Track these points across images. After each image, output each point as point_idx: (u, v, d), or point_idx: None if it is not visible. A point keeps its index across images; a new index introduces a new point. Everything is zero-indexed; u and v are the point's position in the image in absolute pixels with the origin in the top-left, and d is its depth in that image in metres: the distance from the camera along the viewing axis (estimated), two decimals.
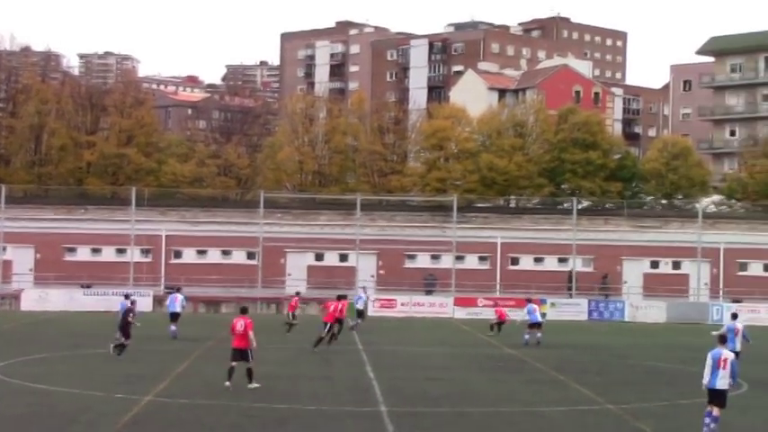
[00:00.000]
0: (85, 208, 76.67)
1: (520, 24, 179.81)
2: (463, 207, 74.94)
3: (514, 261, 72.74)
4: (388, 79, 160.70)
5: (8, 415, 24.68)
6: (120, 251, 70.53)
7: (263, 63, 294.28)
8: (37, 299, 63.99)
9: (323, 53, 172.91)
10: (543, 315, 63.53)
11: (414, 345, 45.28)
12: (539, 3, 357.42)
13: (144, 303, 59.38)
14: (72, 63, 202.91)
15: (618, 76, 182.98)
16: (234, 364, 29.51)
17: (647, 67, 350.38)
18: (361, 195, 72.70)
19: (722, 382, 23.08)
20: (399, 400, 28.07)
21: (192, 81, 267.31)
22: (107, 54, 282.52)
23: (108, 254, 71.90)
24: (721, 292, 70.44)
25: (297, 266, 71.27)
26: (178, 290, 49.20)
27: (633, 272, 72.16)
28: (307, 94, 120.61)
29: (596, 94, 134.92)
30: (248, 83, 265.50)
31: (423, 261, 72.46)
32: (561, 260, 71.57)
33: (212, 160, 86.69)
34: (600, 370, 37.46)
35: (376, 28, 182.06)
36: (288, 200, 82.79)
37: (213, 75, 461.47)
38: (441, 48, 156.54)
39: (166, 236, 71.79)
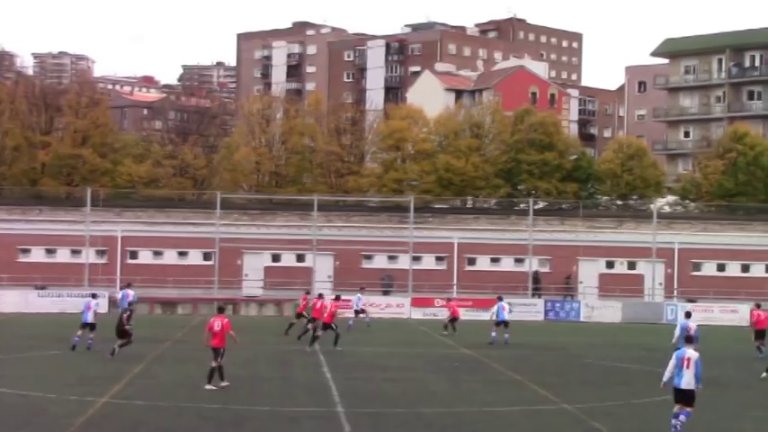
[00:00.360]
0: (40, 209, 76.09)
1: (476, 25, 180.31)
2: (420, 208, 75.05)
3: (471, 261, 72.94)
4: (345, 80, 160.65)
5: None
6: (75, 252, 70.01)
7: (219, 63, 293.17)
8: None
9: (280, 54, 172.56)
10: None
11: (371, 345, 45.28)
12: (495, 4, 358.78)
13: (100, 305, 58.85)
14: (26, 63, 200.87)
15: (574, 77, 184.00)
16: (214, 364, 29.81)
17: (603, 69, 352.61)
18: (318, 196, 72.61)
19: (687, 381, 23.25)
20: (356, 401, 28.05)
21: (147, 81, 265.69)
22: (62, 54, 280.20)
23: (63, 255, 71.38)
24: (676, 292, 70.99)
25: (254, 267, 71.10)
26: (128, 285, 48.86)
27: (589, 272, 72.57)
28: (263, 94, 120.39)
29: (552, 95, 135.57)
30: (205, 83, 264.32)
31: (380, 262, 72.51)
32: (518, 260, 71.86)
33: (168, 161, 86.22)
34: (556, 370, 37.62)
35: (333, 29, 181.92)
36: (245, 200, 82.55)
37: (169, 75, 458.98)
38: (398, 48, 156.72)
39: (122, 237, 71.38)
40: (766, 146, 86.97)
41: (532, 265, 69.66)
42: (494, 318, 46.87)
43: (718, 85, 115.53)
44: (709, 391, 31.59)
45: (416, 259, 69.90)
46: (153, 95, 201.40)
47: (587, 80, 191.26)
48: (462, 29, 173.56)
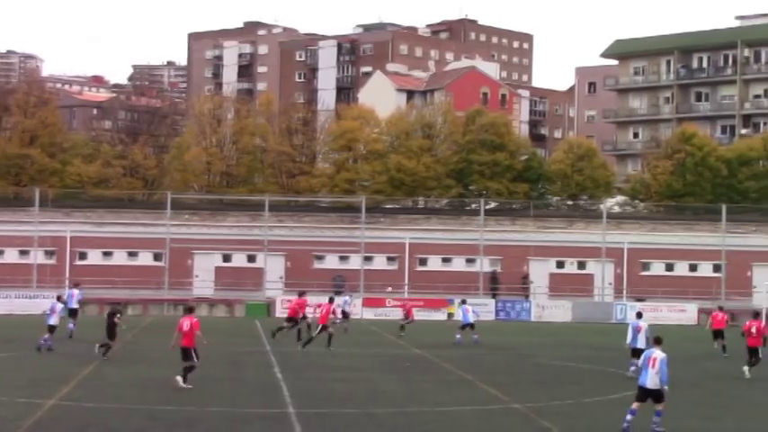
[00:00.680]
0: None
1: (428, 26, 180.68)
2: (372, 208, 75.09)
3: (422, 262, 73.08)
4: (297, 80, 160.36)
5: None
6: (24, 253, 69.38)
7: (170, 63, 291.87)
8: None
9: (231, 53, 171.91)
10: (450, 315, 64.43)
11: (322, 346, 45.20)
12: (446, 5, 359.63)
13: (48, 306, 58.32)
14: None
15: (524, 78, 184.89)
16: (186, 364, 29.97)
17: (553, 70, 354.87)
18: (270, 196, 72.45)
19: (652, 380, 23.66)
20: (307, 402, 28.02)
21: (97, 81, 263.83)
22: (9, 53, 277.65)
23: (11, 256, 70.72)
24: (625, 292, 71.51)
25: (204, 268, 70.80)
26: (76, 285, 48.54)
27: (539, 272, 72.96)
28: (214, 94, 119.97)
29: (503, 95, 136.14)
30: (155, 83, 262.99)
31: (331, 262, 72.47)
32: (469, 260, 72.10)
33: (118, 161, 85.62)
34: (507, 369, 37.79)
35: (284, 29, 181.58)
36: (195, 201, 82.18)
37: (119, 75, 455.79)
38: (349, 49, 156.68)
39: (71, 237, 70.81)
40: (714, 146, 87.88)
41: (486, 265, 69.89)
42: (460, 319, 47.55)
43: (667, 86, 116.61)
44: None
45: (368, 259, 69.94)
46: (103, 95, 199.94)
47: (538, 81, 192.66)
48: (414, 29, 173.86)
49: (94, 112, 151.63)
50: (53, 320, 39.77)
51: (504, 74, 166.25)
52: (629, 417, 23.68)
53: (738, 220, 76.68)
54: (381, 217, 78.78)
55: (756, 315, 37.79)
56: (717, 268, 70.83)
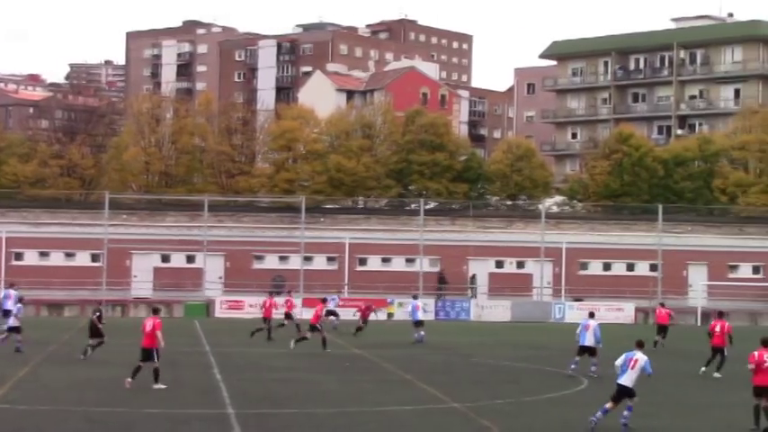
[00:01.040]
0: None
1: (368, 26, 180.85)
2: (311, 208, 75.01)
3: (362, 261, 73.11)
4: (236, 80, 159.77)
5: None
6: None
7: (107, 62, 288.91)
8: None
9: (169, 53, 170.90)
10: (390, 315, 64.59)
11: (261, 346, 45.12)
12: (386, 5, 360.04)
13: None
14: None
15: (464, 78, 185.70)
16: (141, 364, 30.04)
17: (492, 71, 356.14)
18: (209, 196, 72.11)
19: (629, 380, 24.22)
20: (247, 402, 27.94)
21: (33, 80, 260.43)
22: None
23: None
24: (563, 291, 72.05)
25: (143, 268, 70.27)
26: (11, 285, 48.06)
27: (479, 271, 73.27)
28: (153, 93, 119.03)
29: (443, 96, 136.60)
30: (93, 82, 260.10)
31: (271, 262, 72.23)
32: (409, 260, 72.23)
33: (55, 160, 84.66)
34: (446, 369, 37.93)
35: (224, 28, 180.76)
36: (133, 201, 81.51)
37: (56, 73, 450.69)
38: (289, 48, 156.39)
39: (6, 238, 69.94)
40: (650, 147, 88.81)
41: (426, 265, 70.04)
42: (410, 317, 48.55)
43: (604, 87, 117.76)
44: (595, 388, 32.22)
45: (308, 260, 69.85)
46: (39, 94, 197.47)
47: (477, 81, 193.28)
48: (354, 29, 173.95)
49: (31, 111, 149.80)
50: (13, 322, 39.68)
51: (444, 74, 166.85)
52: (599, 414, 24.00)
53: (674, 220, 77.57)
54: (321, 217, 78.70)
55: (721, 315, 38.41)
56: (653, 267, 71.58)
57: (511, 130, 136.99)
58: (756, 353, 24.61)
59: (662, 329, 46.13)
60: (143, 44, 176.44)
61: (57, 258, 70.78)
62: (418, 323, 47.74)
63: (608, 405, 24.16)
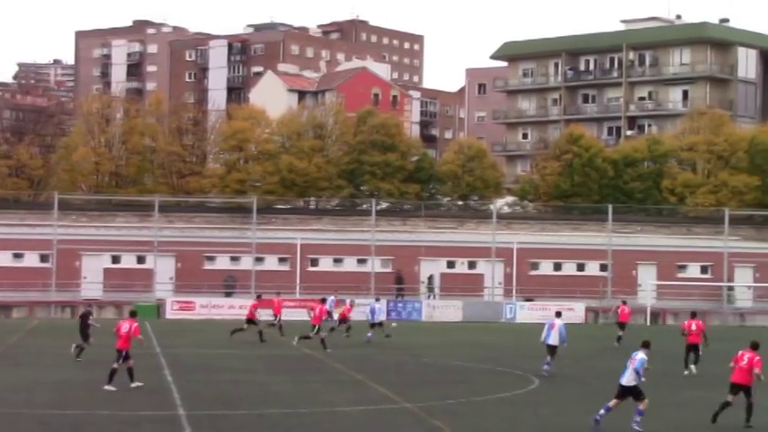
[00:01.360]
0: None
1: (319, 26, 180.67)
2: (263, 208, 74.82)
3: (314, 262, 72.99)
4: (187, 80, 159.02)
5: None
6: None
7: (56, 62, 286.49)
8: None
9: (119, 52, 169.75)
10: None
11: (213, 347, 44.97)
12: (337, 5, 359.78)
13: None
14: None
15: (415, 79, 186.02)
16: (116, 366, 30.11)
17: (444, 71, 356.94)
18: (160, 197, 71.70)
19: (627, 378, 24.36)
20: (198, 404, 27.84)
21: None
22: None
23: None
24: (514, 291, 72.32)
25: (92, 269, 69.68)
26: None
27: (430, 272, 73.36)
28: (103, 93, 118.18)
29: (394, 96, 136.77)
30: (41, 81, 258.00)
31: (222, 263, 71.90)
32: (360, 261, 72.20)
33: (3, 161, 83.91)
34: (397, 369, 38.00)
35: (174, 28, 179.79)
36: (83, 201, 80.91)
37: (4, 73, 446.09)
38: (240, 49, 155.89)
39: None
40: (600, 148, 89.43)
41: (378, 265, 70.05)
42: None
43: (555, 88, 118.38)
44: (547, 387, 32.45)
45: (259, 260, 69.64)
46: None
47: (429, 82, 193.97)
48: (305, 30, 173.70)
49: None
50: None
51: (396, 75, 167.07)
52: (602, 411, 24.33)
53: (624, 220, 78.21)
54: (273, 217, 78.51)
55: (694, 315, 39.23)
56: (603, 267, 72.07)
57: (462, 130, 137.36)
58: (740, 353, 25.45)
59: (623, 326, 48.53)
60: (93, 44, 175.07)
61: (5, 259, 69.97)
62: (375, 324, 47.93)
63: (611, 403, 24.47)
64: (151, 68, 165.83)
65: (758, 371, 25.07)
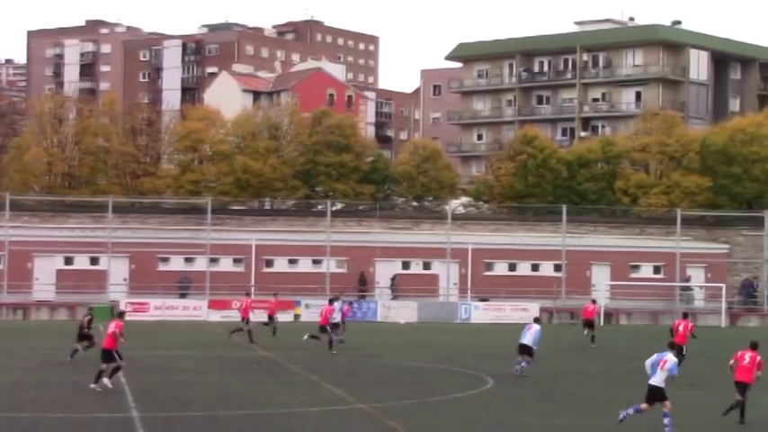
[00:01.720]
0: None
1: (274, 27, 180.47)
2: (217, 209, 74.54)
3: (269, 263, 72.80)
4: (141, 80, 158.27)
5: None
6: None
7: (8, 61, 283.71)
8: None
9: (72, 52, 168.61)
10: (297, 316, 64.47)
11: (167, 349, 44.76)
12: (292, 6, 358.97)
13: None
14: None
15: (370, 80, 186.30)
16: (104, 366, 30.18)
17: (399, 72, 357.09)
18: (113, 197, 71.22)
19: (657, 379, 24.23)
20: (152, 405, 27.71)
21: None
22: None
23: None
24: (469, 292, 72.50)
25: (45, 270, 69.04)
26: None
27: (385, 272, 73.38)
28: (55, 93, 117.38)
29: (349, 97, 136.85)
30: None
31: (176, 264, 71.52)
32: (315, 261, 72.09)
33: None
34: (352, 370, 38.01)
35: (128, 28, 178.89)
36: (35, 202, 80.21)
37: None
38: (194, 49, 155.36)
39: None
40: (554, 149, 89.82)
41: (333, 266, 70.00)
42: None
43: (509, 89, 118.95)
44: (502, 387, 32.59)
45: (214, 261, 69.35)
46: None
47: (384, 83, 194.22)
48: (260, 30, 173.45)
49: None
50: None
51: (351, 75, 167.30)
52: (630, 410, 24.41)
53: (578, 221, 78.64)
54: (227, 218, 78.23)
55: (685, 316, 39.64)
56: (557, 268, 72.39)
57: (417, 131, 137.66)
58: (740, 352, 26.04)
59: (588, 324, 49.26)
60: (45, 43, 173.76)
61: None
62: (334, 326, 47.40)
63: (642, 405, 24.44)
64: (105, 68, 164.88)
65: (759, 372, 25.85)
